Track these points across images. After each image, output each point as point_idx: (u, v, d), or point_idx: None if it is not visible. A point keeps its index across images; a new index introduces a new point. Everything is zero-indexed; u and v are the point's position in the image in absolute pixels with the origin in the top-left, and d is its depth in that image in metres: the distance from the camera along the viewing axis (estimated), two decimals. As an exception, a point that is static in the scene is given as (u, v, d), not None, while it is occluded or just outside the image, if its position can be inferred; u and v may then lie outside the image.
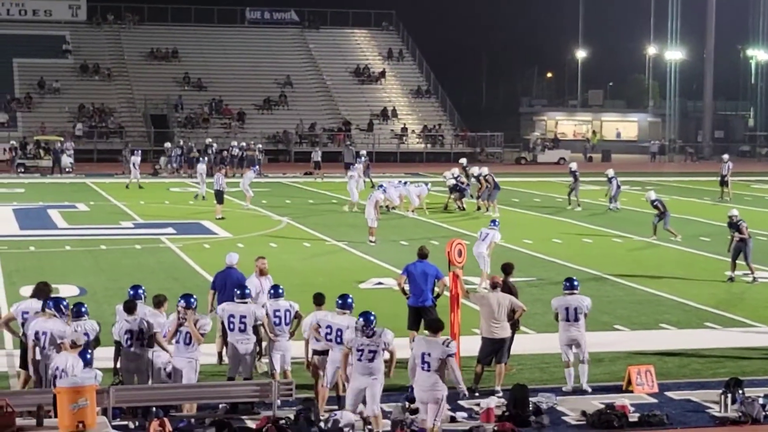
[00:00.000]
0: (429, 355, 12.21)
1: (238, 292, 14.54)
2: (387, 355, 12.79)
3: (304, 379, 14.48)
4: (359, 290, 21.87)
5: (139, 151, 51.12)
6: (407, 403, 13.57)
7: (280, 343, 14.40)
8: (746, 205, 40.61)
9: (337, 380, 13.89)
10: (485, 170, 37.76)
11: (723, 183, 43.90)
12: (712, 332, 19.08)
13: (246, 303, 14.38)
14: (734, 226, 24.20)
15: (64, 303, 13.41)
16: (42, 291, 14.22)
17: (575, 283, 15.57)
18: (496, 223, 23.80)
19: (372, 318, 12.75)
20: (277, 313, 14.48)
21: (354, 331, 12.86)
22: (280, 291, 14.80)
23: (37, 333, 13.07)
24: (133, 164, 47.50)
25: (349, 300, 13.93)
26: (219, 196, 35.36)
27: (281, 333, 14.41)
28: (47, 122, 66.24)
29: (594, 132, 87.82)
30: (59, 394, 11.14)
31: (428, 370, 12.21)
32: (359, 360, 12.64)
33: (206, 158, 49.71)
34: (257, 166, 45.58)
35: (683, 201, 42.62)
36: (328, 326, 13.74)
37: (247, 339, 14.18)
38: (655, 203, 30.96)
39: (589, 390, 14.94)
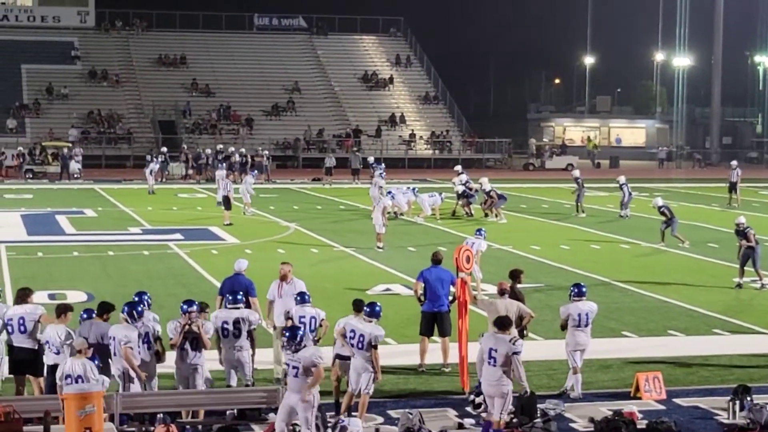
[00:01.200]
0: (495, 350, 12.75)
1: (230, 297, 14.54)
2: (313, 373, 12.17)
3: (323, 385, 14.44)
4: (367, 296, 21.80)
5: (158, 159, 51.46)
6: (473, 397, 13.85)
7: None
8: (754, 212, 40.53)
9: (336, 385, 13.94)
10: (488, 185, 37.65)
11: (732, 189, 43.81)
12: (720, 339, 19.04)
13: (239, 308, 14.37)
14: (741, 233, 24.14)
15: (138, 309, 13.57)
16: (23, 296, 14.29)
17: (583, 289, 15.54)
18: (482, 231, 23.58)
19: (298, 333, 12.42)
20: (302, 320, 14.45)
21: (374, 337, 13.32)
22: (307, 297, 14.80)
23: (111, 338, 13.30)
24: (150, 171, 47.76)
25: (377, 308, 13.95)
26: (227, 202, 35.39)
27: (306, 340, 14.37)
28: (56, 128, 66.38)
29: (589, 138, 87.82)
30: (66, 401, 11.16)
31: (494, 365, 12.73)
32: (290, 375, 12.24)
33: (224, 164, 50.02)
34: (255, 171, 45.61)
35: (691, 207, 42.54)
36: (352, 330, 13.76)
37: (240, 346, 14.17)
38: (661, 209, 30.93)
39: (581, 396, 14.92)
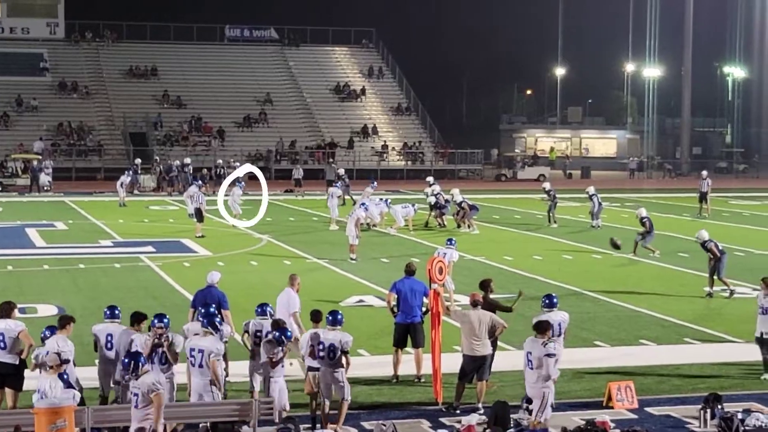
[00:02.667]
0: (531, 353, 13.35)
1: (203, 310, 14.39)
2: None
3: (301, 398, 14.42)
4: (340, 308, 21.79)
5: (129, 171, 51.21)
6: (525, 403, 14.09)
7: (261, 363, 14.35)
8: (724, 221, 40.85)
9: (311, 399, 13.93)
10: (459, 196, 37.79)
11: (702, 199, 44.09)
12: (691, 348, 19.14)
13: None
14: (704, 247, 24.37)
15: (218, 320, 13.73)
16: (5, 310, 14.19)
17: (554, 299, 15.63)
18: (453, 241, 23.62)
19: (140, 359, 12.03)
20: (258, 334, 14.46)
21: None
22: (268, 310, 14.78)
23: (192, 350, 13.34)
24: (121, 183, 47.57)
25: (339, 316, 14.03)
26: (198, 214, 35.29)
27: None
28: (25, 140, 65.96)
29: (552, 148, 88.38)
30: (37, 415, 11.08)
31: (531, 368, 13.35)
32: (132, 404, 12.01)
33: (186, 177, 49.89)
34: (243, 183, 45.54)
35: (662, 217, 42.74)
36: (320, 343, 13.79)
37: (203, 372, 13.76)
38: (643, 220, 30.97)
39: (554, 406, 14.97)
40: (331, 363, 13.76)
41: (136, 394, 11.79)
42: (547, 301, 15.51)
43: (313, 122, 74.41)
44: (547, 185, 41.22)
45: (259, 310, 14.84)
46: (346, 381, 13.83)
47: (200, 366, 13.22)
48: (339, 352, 13.74)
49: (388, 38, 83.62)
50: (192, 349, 13.34)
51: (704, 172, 45.81)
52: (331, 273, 27.76)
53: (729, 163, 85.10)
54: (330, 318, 13.99)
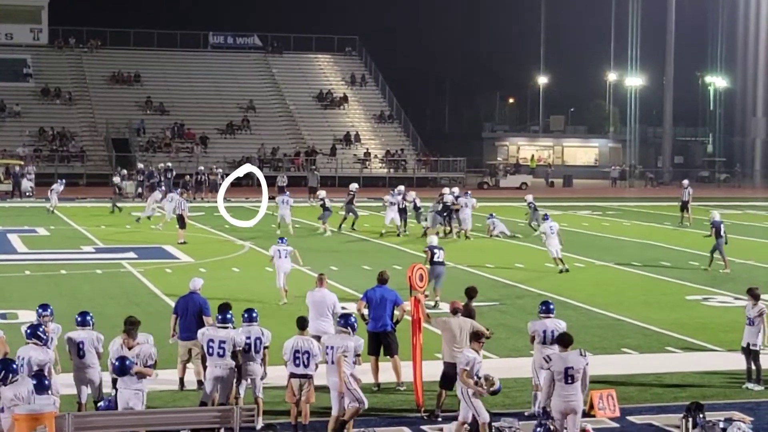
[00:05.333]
0: (572, 368, 12.98)
1: (219, 317, 14.41)
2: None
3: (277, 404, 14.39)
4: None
5: (63, 181, 50.04)
6: (543, 417, 13.89)
7: (252, 368, 14.38)
8: (706, 230, 40.92)
9: (301, 405, 13.87)
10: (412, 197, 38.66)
11: (684, 208, 44.22)
12: (673, 356, 19.17)
13: (226, 328, 14.26)
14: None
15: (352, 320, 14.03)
16: None
17: (551, 306, 15.54)
18: (468, 194, 24.50)
19: (11, 366, 11.70)
20: (248, 340, 14.43)
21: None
22: (255, 315, 14.66)
23: (328, 348, 13.79)
24: (52, 190, 46.56)
25: (352, 319, 14.03)
26: (181, 220, 35.21)
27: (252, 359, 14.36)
28: (8, 146, 65.72)
29: (532, 156, 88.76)
30: (17, 422, 11.01)
31: (571, 382, 12.96)
32: None
33: (169, 183, 49.62)
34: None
35: (644, 226, 42.91)
36: (331, 348, 13.77)
37: (225, 364, 14.06)
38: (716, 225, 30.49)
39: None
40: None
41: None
42: (543, 308, 15.43)
43: (296, 129, 74.39)
44: (529, 197, 41.21)
45: (245, 315, 14.71)
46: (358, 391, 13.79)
47: (331, 362, 13.67)
48: (354, 356, 13.76)
49: (371, 46, 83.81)
50: (329, 348, 13.70)
51: (685, 182, 45.96)
52: (313, 280, 27.62)
53: (711, 172, 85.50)
54: (342, 321, 14.04)
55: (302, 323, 14.43)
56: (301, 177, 62.77)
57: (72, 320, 14.39)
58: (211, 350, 14.10)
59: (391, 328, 16.56)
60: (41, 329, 13.38)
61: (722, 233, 30.09)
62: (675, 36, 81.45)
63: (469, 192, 40.50)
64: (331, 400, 13.80)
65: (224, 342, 14.06)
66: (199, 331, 14.60)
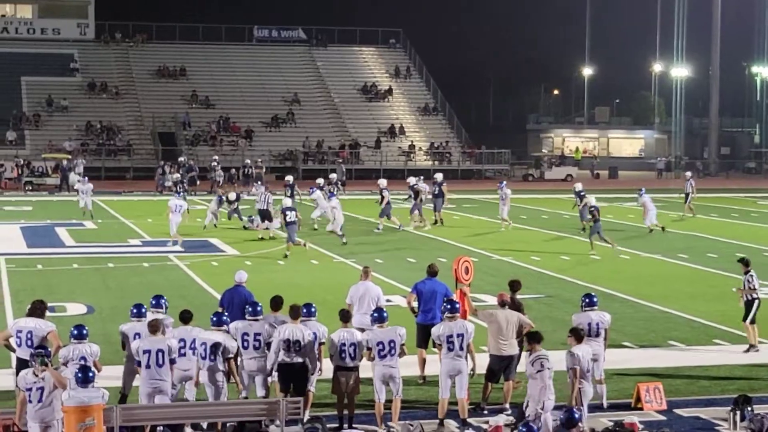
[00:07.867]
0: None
1: (250, 309, 14.43)
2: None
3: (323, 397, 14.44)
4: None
5: (86, 178, 43.93)
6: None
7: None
8: (752, 222, 40.56)
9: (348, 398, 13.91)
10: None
11: (685, 200, 43.52)
12: (721, 349, 19.03)
13: (258, 320, 14.31)
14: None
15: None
16: (37, 309, 14.22)
17: (594, 299, 15.47)
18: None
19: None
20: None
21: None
22: (313, 311, 14.50)
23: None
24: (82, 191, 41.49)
25: (385, 313, 14.07)
26: (267, 215, 34.63)
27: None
28: (55, 140, 66.43)
29: (577, 148, 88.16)
30: (66, 414, 11.14)
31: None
32: None
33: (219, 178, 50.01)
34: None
35: (689, 217, 42.52)
36: (380, 342, 13.79)
37: (261, 357, 14.11)
38: (591, 210, 31.60)
39: (606, 406, 14.92)
40: (390, 359, 13.77)
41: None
42: (587, 300, 15.36)
43: (341, 122, 74.51)
44: (578, 186, 40.69)
45: (304, 310, 14.44)
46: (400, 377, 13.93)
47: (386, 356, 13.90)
48: (398, 348, 13.80)
49: (415, 38, 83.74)
50: (378, 343, 13.83)
51: (688, 173, 45.60)
52: (358, 272, 27.68)
53: (757, 163, 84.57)
54: (377, 315, 14.04)
55: (345, 316, 14.43)
56: (348, 170, 62.44)
57: (119, 313, 14.51)
58: (246, 344, 14.12)
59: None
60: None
61: None
62: (721, 26, 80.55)
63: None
64: (375, 393, 13.84)
65: (259, 334, 14.08)
66: (231, 326, 14.33)
